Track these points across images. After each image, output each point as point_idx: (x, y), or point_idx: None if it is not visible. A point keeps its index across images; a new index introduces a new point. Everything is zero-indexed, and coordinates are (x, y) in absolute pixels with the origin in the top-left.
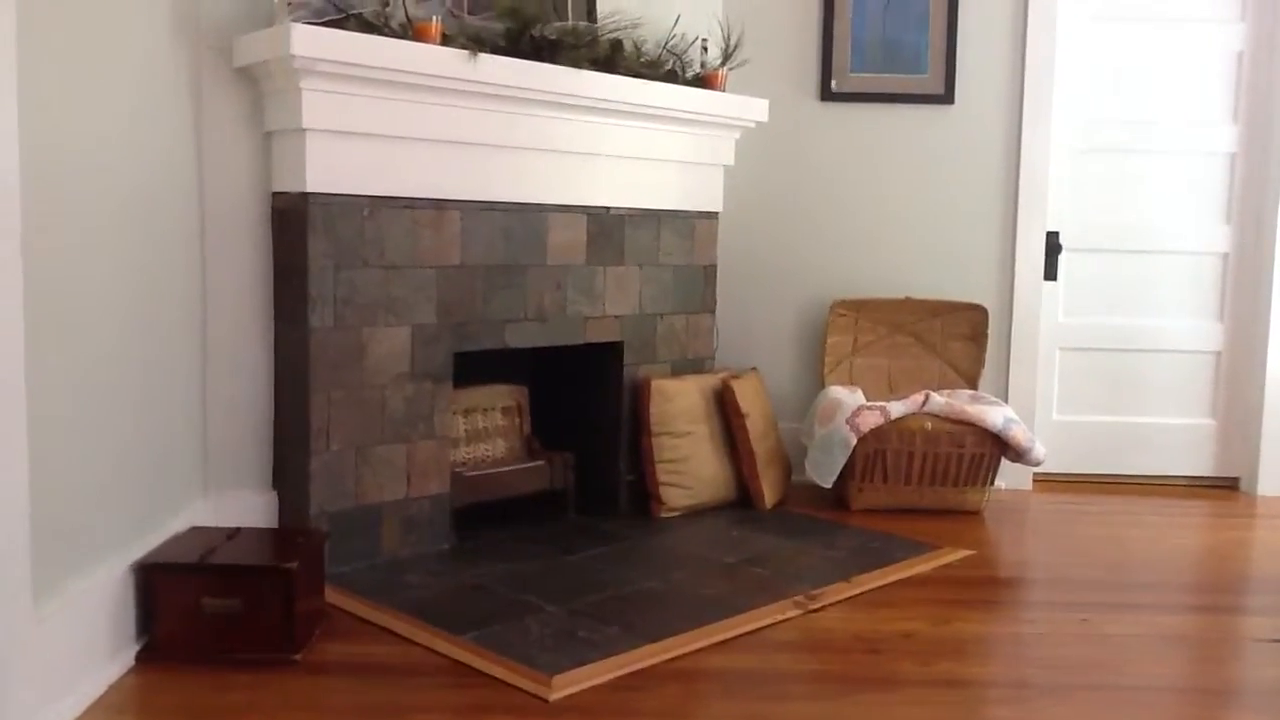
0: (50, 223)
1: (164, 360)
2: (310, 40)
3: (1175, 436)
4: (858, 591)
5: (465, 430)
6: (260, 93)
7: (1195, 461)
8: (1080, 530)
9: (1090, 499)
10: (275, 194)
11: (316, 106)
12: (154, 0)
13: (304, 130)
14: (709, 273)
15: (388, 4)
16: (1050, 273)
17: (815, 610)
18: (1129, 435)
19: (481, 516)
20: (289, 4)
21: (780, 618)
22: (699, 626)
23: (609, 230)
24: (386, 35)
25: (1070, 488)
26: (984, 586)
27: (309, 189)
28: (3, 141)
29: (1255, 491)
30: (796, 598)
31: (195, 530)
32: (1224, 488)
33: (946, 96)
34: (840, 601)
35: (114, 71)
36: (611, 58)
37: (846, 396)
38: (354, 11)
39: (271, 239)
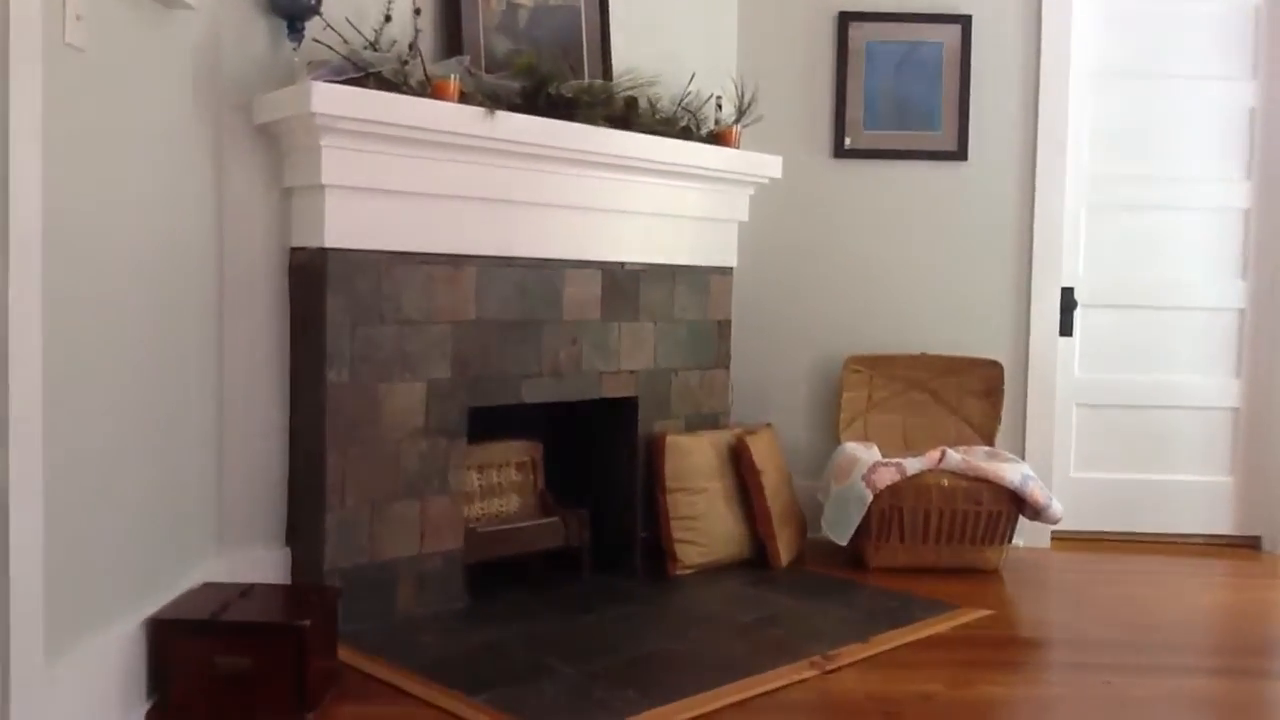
0: (69, 278)
1: (180, 415)
2: (330, 98)
3: (1194, 494)
4: (875, 652)
5: (479, 486)
6: (280, 150)
7: (1215, 519)
8: (1100, 589)
9: (1109, 557)
10: (294, 249)
11: (336, 163)
12: (175, 58)
13: (323, 186)
14: (723, 328)
15: (407, 62)
16: (1066, 329)
17: (832, 671)
18: (1147, 492)
19: (495, 573)
20: (309, 62)
21: (796, 678)
22: (715, 688)
23: (624, 286)
24: (405, 93)
25: (1089, 546)
26: (1004, 647)
27: (327, 244)
28: (26, 197)
29: (1278, 550)
30: (813, 658)
31: (208, 586)
32: (1245, 547)
33: (960, 153)
34: (857, 662)
35: (134, 128)
36: (627, 115)
37: (862, 453)
38: (373, 70)
39: (289, 294)
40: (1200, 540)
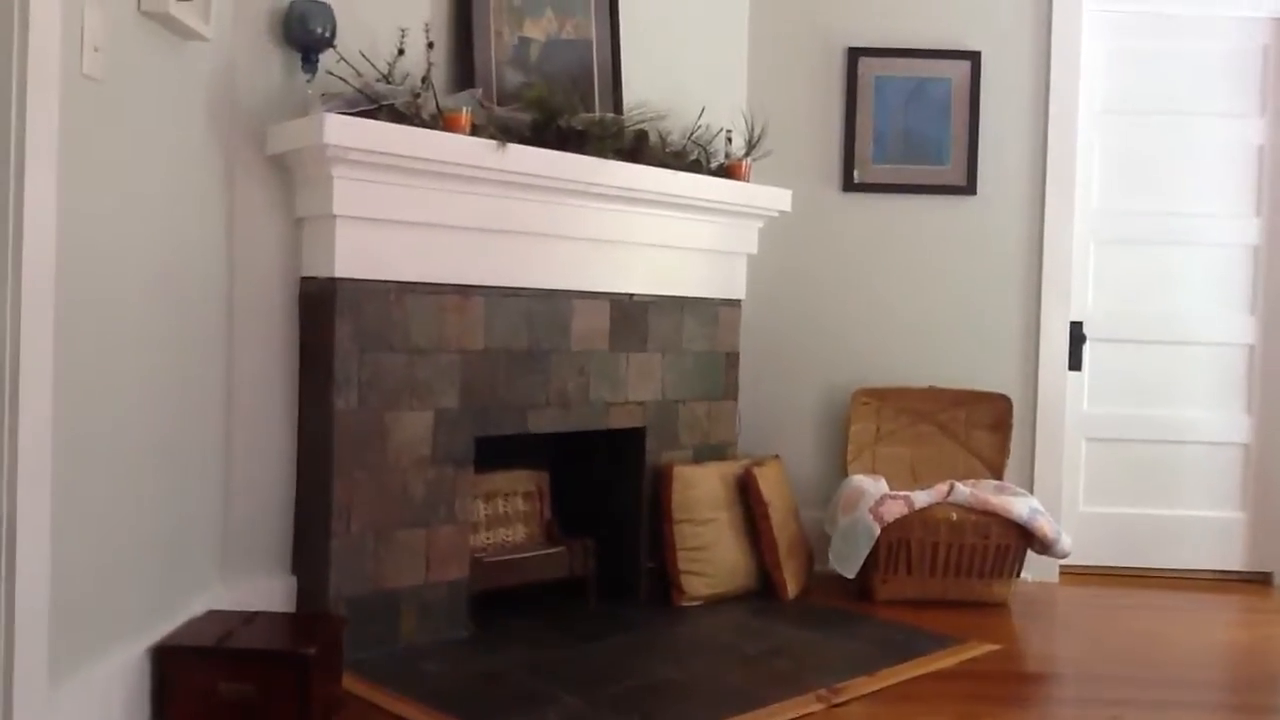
0: (82, 305)
1: (188, 441)
2: (343, 129)
3: (1204, 529)
4: (881, 685)
5: (485, 515)
6: (292, 180)
7: (1225, 555)
8: (1109, 624)
9: (1118, 592)
10: (304, 278)
11: (347, 194)
12: (191, 89)
13: (334, 217)
14: (731, 360)
15: (419, 95)
16: (1075, 363)
17: (838, 705)
18: (1157, 528)
19: (500, 603)
20: (322, 94)
21: (802, 712)
22: (720, 719)
23: (632, 317)
24: (417, 125)
25: (1097, 580)
26: (1011, 682)
27: (337, 274)
28: (41, 226)
29: None
30: (819, 691)
31: (213, 614)
32: (1255, 583)
33: (968, 187)
34: (863, 696)
35: (149, 157)
36: (637, 148)
37: (870, 485)
38: (386, 102)
39: (299, 322)
40: (1210, 576)
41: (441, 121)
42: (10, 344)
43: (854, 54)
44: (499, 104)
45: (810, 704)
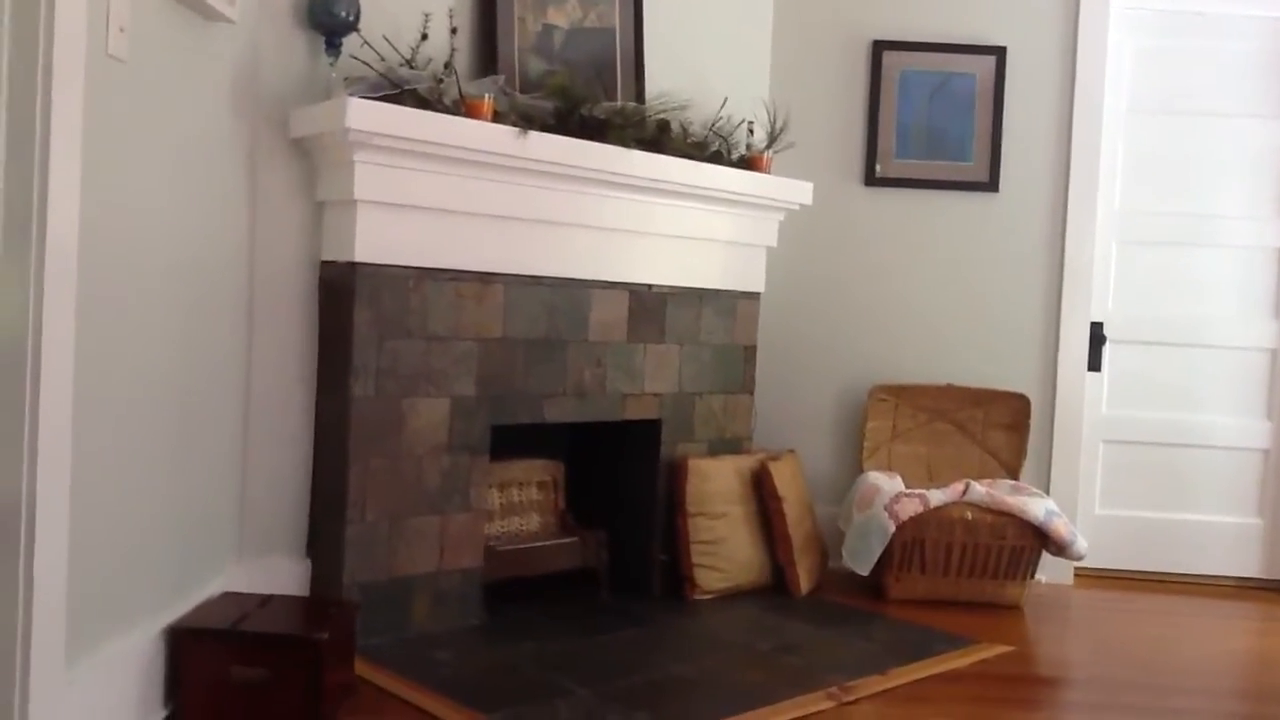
0: (103, 286)
1: (205, 424)
2: (365, 114)
3: (1222, 535)
4: (893, 685)
5: (500, 504)
6: (314, 164)
7: (1242, 562)
8: (1123, 629)
9: (1133, 597)
10: (324, 263)
11: (368, 179)
12: (214, 71)
13: (355, 201)
14: (749, 353)
15: (442, 81)
16: (1094, 364)
17: (849, 703)
18: (1174, 532)
19: (513, 592)
20: (346, 78)
21: (813, 710)
22: (730, 716)
23: (651, 308)
24: (439, 111)
25: (1112, 584)
26: (1023, 685)
27: (357, 259)
28: (64, 205)
29: None
30: (830, 689)
31: (228, 596)
32: (1272, 590)
33: (991, 184)
34: (875, 695)
35: (172, 138)
36: (659, 138)
37: (885, 483)
38: (409, 87)
39: (318, 307)
40: (1226, 582)
41: (464, 108)
42: (32, 325)
43: (879, 47)
44: (521, 91)
45: (821, 702)
